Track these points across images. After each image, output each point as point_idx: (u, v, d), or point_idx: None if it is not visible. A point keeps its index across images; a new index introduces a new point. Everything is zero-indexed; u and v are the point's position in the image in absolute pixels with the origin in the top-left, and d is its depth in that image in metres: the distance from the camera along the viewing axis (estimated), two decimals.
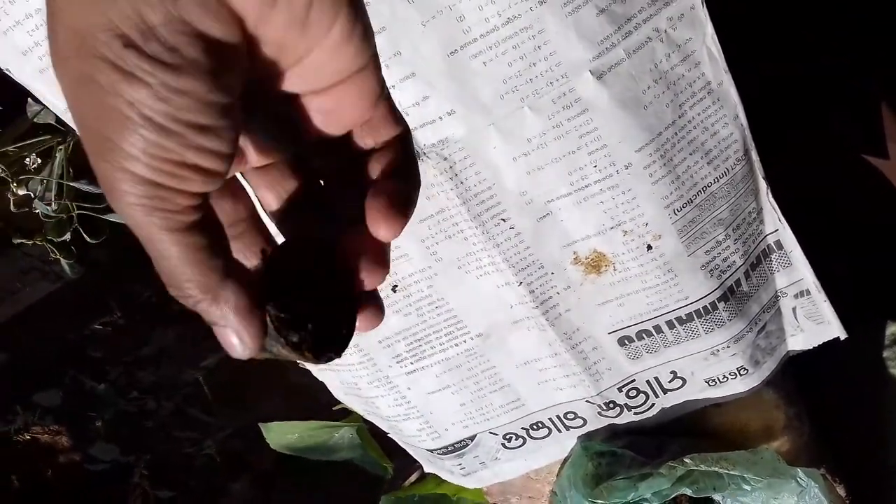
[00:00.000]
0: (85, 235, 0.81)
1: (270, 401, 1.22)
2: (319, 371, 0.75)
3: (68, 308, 1.18)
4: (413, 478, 1.00)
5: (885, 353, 0.87)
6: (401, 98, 0.56)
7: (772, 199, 0.66)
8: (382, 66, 0.54)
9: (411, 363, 0.71)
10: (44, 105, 0.61)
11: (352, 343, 0.67)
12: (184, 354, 1.25)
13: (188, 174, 0.26)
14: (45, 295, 1.16)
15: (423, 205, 0.62)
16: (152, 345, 1.24)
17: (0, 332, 1.19)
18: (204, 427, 1.26)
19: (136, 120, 0.25)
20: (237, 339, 0.29)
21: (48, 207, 0.77)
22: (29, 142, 0.78)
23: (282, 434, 1.00)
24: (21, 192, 0.76)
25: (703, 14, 0.56)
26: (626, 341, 0.70)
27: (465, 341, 0.70)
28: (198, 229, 0.27)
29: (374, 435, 0.97)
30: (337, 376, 0.75)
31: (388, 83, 0.55)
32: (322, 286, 0.31)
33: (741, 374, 0.74)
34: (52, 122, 0.78)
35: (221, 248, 0.29)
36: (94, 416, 1.24)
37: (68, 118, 0.61)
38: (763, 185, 0.66)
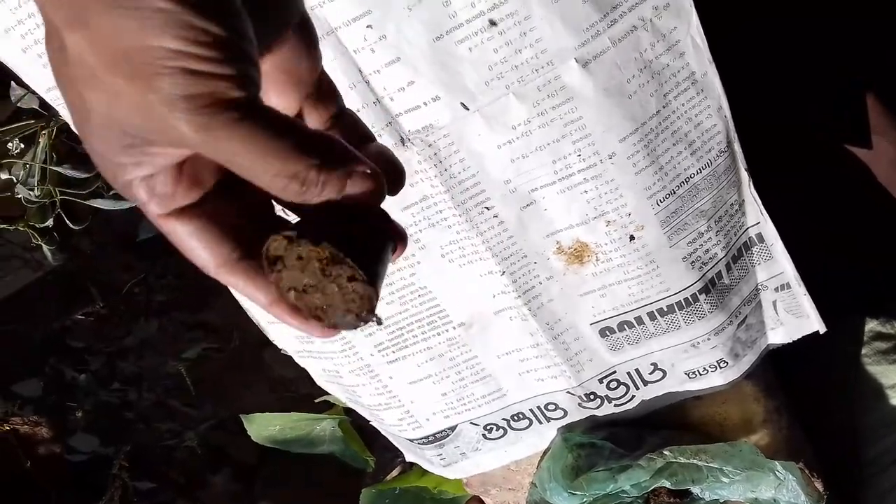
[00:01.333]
0: (68, 221, 0.81)
1: (253, 393, 1.21)
2: (301, 359, 0.75)
3: (50, 297, 1.17)
4: (395, 472, 1.00)
5: (864, 350, 0.87)
6: (385, 83, 0.56)
7: (754, 192, 0.67)
8: (368, 49, 0.55)
9: (393, 352, 0.71)
10: (28, 89, 0.61)
11: None
12: (166, 345, 1.24)
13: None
14: (27, 283, 1.15)
15: (406, 192, 0.62)
16: (134, 335, 1.23)
17: None
18: (185, 418, 1.25)
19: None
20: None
21: (31, 193, 0.76)
22: (12, 126, 0.77)
23: (263, 426, 1.00)
24: (3, 176, 0.76)
25: (688, 4, 0.57)
26: (608, 332, 0.70)
27: (447, 330, 0.70)
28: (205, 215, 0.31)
29: (356, 428, 0.97)
30: (319, 364, 0.75)
31: (373, 67, 0.56)
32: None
33: (721, 367, 0.74)
34: (36, 106, 0.78)
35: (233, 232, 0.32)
36: (75, 406, 1.23)
37: (52, 100, 0.61)
38: (745, 177, 0.66)
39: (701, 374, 0.75)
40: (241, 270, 0.32)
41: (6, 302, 1.17)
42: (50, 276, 1.10)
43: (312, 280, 0.31)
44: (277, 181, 0.28)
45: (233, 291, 0.61)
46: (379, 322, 0.33)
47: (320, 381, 0.77)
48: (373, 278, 0.31)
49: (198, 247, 0.31)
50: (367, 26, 0.54)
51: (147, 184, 0.29)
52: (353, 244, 0.31)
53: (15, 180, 0.75)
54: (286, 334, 0.73)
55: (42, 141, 0.76)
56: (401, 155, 0.59)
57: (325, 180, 0.29)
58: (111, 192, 0.80)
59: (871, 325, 0.88)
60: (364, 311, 0.32)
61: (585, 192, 0.62)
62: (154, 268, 1.13)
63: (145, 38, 0.25)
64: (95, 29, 0.25)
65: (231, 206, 0.32)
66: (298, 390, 0.87)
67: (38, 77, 0.57)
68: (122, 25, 0.25)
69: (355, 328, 0.33)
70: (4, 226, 0.84)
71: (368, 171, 0.30)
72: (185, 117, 0.26)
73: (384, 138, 0.59)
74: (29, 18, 0.54)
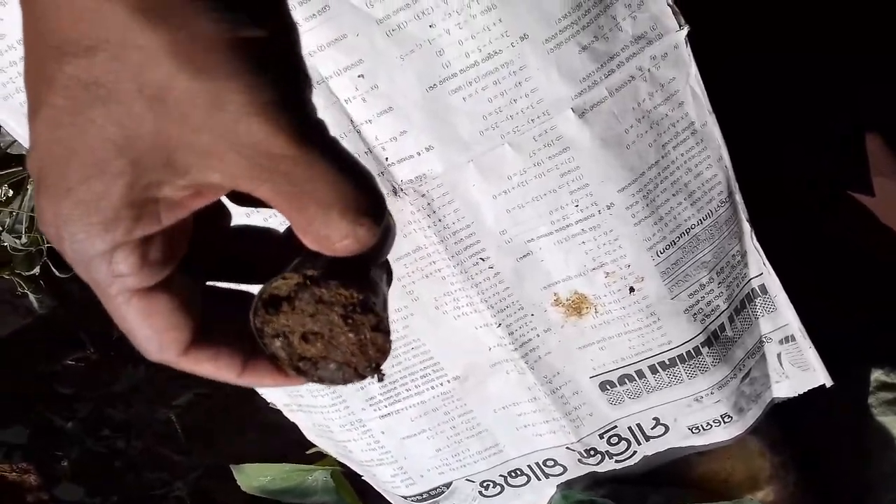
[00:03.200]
0: (54, 269, 0.79)
1: (244, 440, 1.19)
2: (290, 412, 0.73)
3: (38, 343, 1.15)
4: None
5: (870, 400, 0.85)
6: (377, 132, 0.55)
7: (756, 243, 0.65)
8: (359, 99, 0.53)
9: (386, 406, 0.69)
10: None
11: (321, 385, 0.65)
12: (156, 392, 1.21)
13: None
14: (14, 329, 1.13)
15: (399, 243, 0.60)
16: (123, 382, 1.20)
17: None
18: (175, 467, 1.22)
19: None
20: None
21: (17, 241, 0.74)
22: (0, 173, 0.76)
23: (254, 476, 0.97)
24: None
25: (686, 54, 0.55)
26: (608, 386, 0.68)
27: (441, 384, 0.68)
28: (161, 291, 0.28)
29: (348, 478, 0.95)
30: (309, 418, 0.72)
31: (365, 117, 0.54)
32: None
33: (725, 422, 0.72)
34: (25, 153, 0.76)
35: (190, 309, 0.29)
36: (61, 455, 1.20)
37: None
38: (747, 227, 0.65)
39: (704, 429, 0.72)
40: (205, 348, 0.29)
41: None
42: (38, 322, 1.08)
43: (322, 327, 0.29)
44: (334, 234, 0.27)
45: None
46: (381, 378, 0.32)
47: (311, 435, 0.75)
48: (389, 329, 0.30)
49: (168, 326, 0.28)
50: (359, 76, 0.53)
51: (134, 252, 0.26)
52: (376, 292, 0.30)
53: (1, 228, 0.74)
54: (277, 390, 0.70)
55: (30, 188, 0.75)
56: (393, 205, 0.58)
57: (373, 235, 0.28)
58: None
59: (876, 375, 0.86)
60: (376, 364, 0.31)
61: (583, 242, 0.60)
62: None
63: None
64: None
65: (192, 283, 0.30)
66: (291, 437, 0.84)
67: (17, 126, 0.56)
68: None
69: (343, 383, 0.31)
70: None
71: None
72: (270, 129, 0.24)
73: None
74: (10, 67, 0.52)
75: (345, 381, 0.31)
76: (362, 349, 0.30)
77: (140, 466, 1.22)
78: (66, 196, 0.25)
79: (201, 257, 0.30)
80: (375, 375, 0.31)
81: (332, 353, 0.30)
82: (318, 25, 0.51)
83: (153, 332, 0.28)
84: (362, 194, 0.27)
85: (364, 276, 0.29)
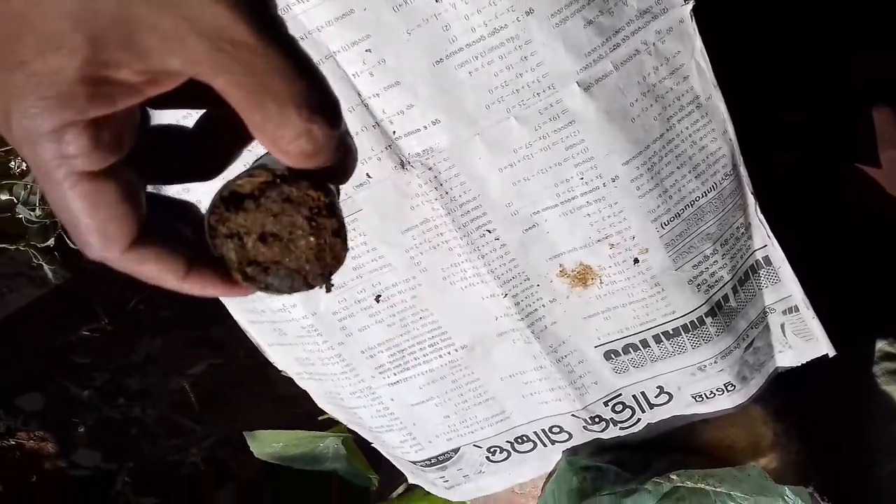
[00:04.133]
0: (68, 241, 0.80)
1: (257, 409, 1.21)
2: (301, 380, 0.74)
3: (55, 313, 1.17)
4: (400, 489, 0.99)
5: (874, 369, 0.86)
6: (385, 106, 0.56)
7: (760, 215, 0.66)
8: (366, 73, 0.54)
9: (394, 374, 0.71)
10: None
11: (334, 353, 0.66)
12: (171, 361, 1.24)
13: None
14: (32, 300, 1.15)
15: (406, 215, 0.61)
16: (139, 352, 1.23)
17: None
18: (189, 435, 1.24)
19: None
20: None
21: (31, 213, 0.76)
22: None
23: (267, 443, 0.99)
24: (4, 196, 0.75)
25: (691, 28, 0.56)
26: (613, 355, 0.69)
27: (449, 353, 0.69)
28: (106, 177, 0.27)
29: (359, 445, 0.96)
30: (320, 385, 0.74)
31: (372, 91, 0.55)
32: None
33: (728, 391, 0.73)
34: None
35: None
36: (78, 422, 1.22)
37: None
38: (752, 200, 0.65)
39: (708, 398, 0.74)
40: (149, 247, 0.28)
41: (9, 318, 1.17)
42: (55, 294, 1.10)
43: (282, 229, 0.29)
44: (288, 132, 0.26)
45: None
46: (329, 289, 0.32)
47: (321, 402, 0.77)
48: (347, 237, 0.30)
49: (112, 216, 0.27)
50: (366, 50, 0.54)
51: (84, 132, 0.25)
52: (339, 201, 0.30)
53: (16, 200, 0.75)
54: (287, 357, 0.72)
55: None
56: (401, 178, 0.59)
57: (328, 138, 0.27)
58: None
59: (881, 346, 0.87)
60: (329, 271, 0.30)
61: (588, 215, 0.61)
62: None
63: None
64: None
65: (137, 178, 0.28)
66: (303, 406, 0.86)
67: None
68: None
69: (288, 292, 0.30)
70: (5, 245, 0.84)
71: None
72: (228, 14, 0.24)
73: (384, 161, 0.58)
74: None
75: (291, 290, 0.30)
76: (319, 255, 0.30)
77: (155, 434, 1.24)
78: (18, 68, 0.24)
79: (143, 155, 0.29)
80: (324, 286, 0.30)
81: (287, 258, 0.29)
82: (326, 1, 0.52)
83: (97, 221, 0.27)
84: (318, 94, 0.27)
85: (324, 186, 0.29)
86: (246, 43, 0.25)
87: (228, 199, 0.29)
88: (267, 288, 0.30)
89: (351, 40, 0.53)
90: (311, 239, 0.29)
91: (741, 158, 0.63)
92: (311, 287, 0.30)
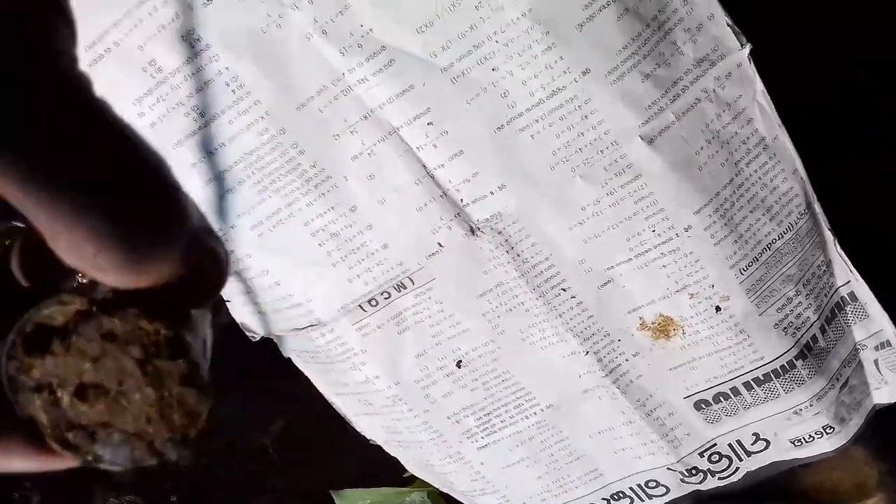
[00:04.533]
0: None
1: (340, 464, 1.21)
2: (390, 448, 0.75)
3: None
4: None
5: None
6: (450, 176, 0.57)
7: (840, 251, 0.64)
8: (430, 146, 0.56)
9: (482, 437, 0.70)
10: None
11: (420, 420, 0.67)
12: (251, 420, 1.26)
13: None
14: None
15: (481, 279, 0.62)
16: (219, 412, 1.25)
17: None
18: (274, 492, 1.25)
19: None
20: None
21: None
22: None
23: (354, 500, 1.00)
24: None
25: (751, 71, 0.56)
26: (703, 405, 0.68)
27: (535, 413, 0.69)
28: None
29: (444, 497, 0.96)
30: (409, 453, 0.74)
31: (437, 162, 0.56)
32: None
33: (827, 433, 0.71)
34: None
35: None
36: (169, 488, 1.25)
37: None
38: (829, 236, 0.64)
39: (807, 442, 0.71)
40: None
41: None
42: None
43: (107, 378, 0.21)
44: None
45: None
46: (187, 462, 0.23)
47: (412, 468, 0.77)
48: (207, 386, 0.21)
49: None
50: (428, 123, 0.55)
51: None
52: (194, 331, 0.21)
53: None
54: (375, 425, 0.73)
55: None
56: (472, 244, 0.60)
57: (166, 256, 0.20)
58: None
59: None
60: (182, 435, 0.22)
61: (664, 266, 0.60)
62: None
63: None
64: None
65: None
66: (385, 460, 0.86)
67: None
68: None
69: (136, 465, 0.21)
70: None
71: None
72: None
73: (454, 229, 0.59)
74: None
75: (133, 463, 0.21)
76: (163, 413, 0.21)
77: (241, 494, 1.26)
78: None
79: None
80: (180, 454, 0.22)
81: (119, 419, 0.21)
82: (386, 79, 0.54)
83: None
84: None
85: (176, 308, 0.21)
86: None
87: (32, 338, 0.21)
88: (96, 461, 0.21)
89: (413, 115, 0.55)
90: (149, 391, 0.21)
91: (814, 196, 0.62)
92: (162, 457, 0.22)
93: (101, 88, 0.19)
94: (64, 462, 0.22)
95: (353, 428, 0.75)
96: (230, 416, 1.24)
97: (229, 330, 0.68)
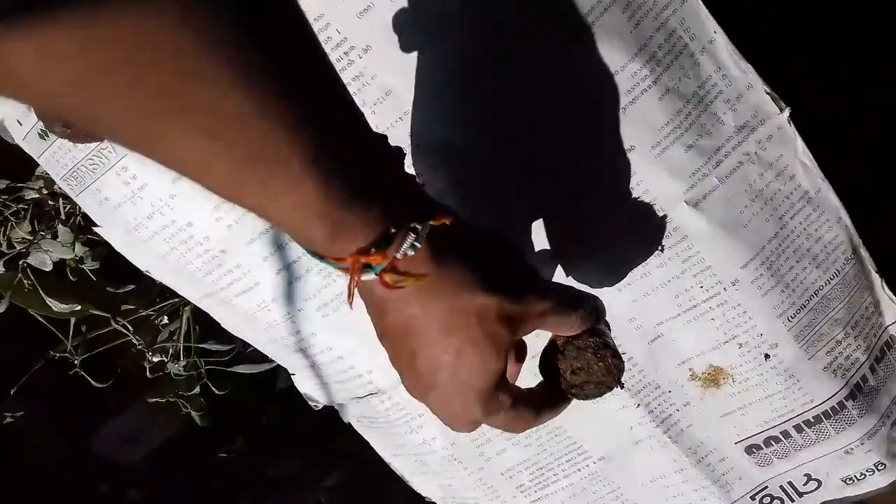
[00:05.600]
0: (214, 389, 0.85)
1: None
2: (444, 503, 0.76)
3: (193, 441, 1.22)
4: None
5: None
6: None
7: (888, 291, 0.65)
8: None
9: (535, 492, 0.71)
10: None
11: (475, 478, 0.69)
12: (305, 476, 1.27)
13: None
14: (172, 432, 1.20)
15: (531, 339, 0.63)
16: (273, 469, 1.26)
17: (134, 472, 1.24)
18: None
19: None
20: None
21: (180, 367, 0.81)
22: (159, 306, 0.83)
23: None
24: (156, 359, 0.81)
25: (791, 131, 0.56)
26: (754, 449, 0.69)
27: (587, 465, 0.70)
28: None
29: None
30: None
31: None
32: None
33: (879, 470, 0.71)
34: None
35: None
36: None
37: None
38: (877, 278, 0.64)
39: (859, 479, 0.72)
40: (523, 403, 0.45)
41: (155, 452, 1.22)
42: (192, 429, 1.15)
43: (582, 363, 0.47)
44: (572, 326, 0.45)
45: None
46: (622, 386, 0.59)
47: None
48: (620, 354, 0.48)
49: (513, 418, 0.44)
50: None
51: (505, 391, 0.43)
52: (608, 336, 0.48)
53: (165, 359, 0.81)
54: (430, 484, 0.74)
55: (185, 315, 0.81)
56: None
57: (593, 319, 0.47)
58: (249, 350, 0.84)
59: None
60: (620, 377, 0.48)
61: (713, 319, 0.61)
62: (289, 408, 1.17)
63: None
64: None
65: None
66: None
67: (189, 289, 0.62)
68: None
69: (601, 395, 0.48)
70: (157, 398, 0.89)
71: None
72: None
73: None
74: (182, 246, 0.59)
75: (601, 394, 0.48)
76: (608, 371, 0.47)
77: None
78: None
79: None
80: (618, 386, 0.48)
81: (591, 378, 0.47)
82: None
83: (510, 419, 0.44)
84: (576, 306, 0.45)
85: (598, 331, 0.47)
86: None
87: (558, 350, 0.48)
88: (586, 398, 0.48)
89: None
90: (601, 364, 0.47)
91: (860, 241, 0.63)
92: (611, 389, 0.48)
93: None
94: (567, 403, 0.49)
95: (402, 483, 0.76)
96: (286, 474, 1.26)
97: (289, 395, 0.70)
